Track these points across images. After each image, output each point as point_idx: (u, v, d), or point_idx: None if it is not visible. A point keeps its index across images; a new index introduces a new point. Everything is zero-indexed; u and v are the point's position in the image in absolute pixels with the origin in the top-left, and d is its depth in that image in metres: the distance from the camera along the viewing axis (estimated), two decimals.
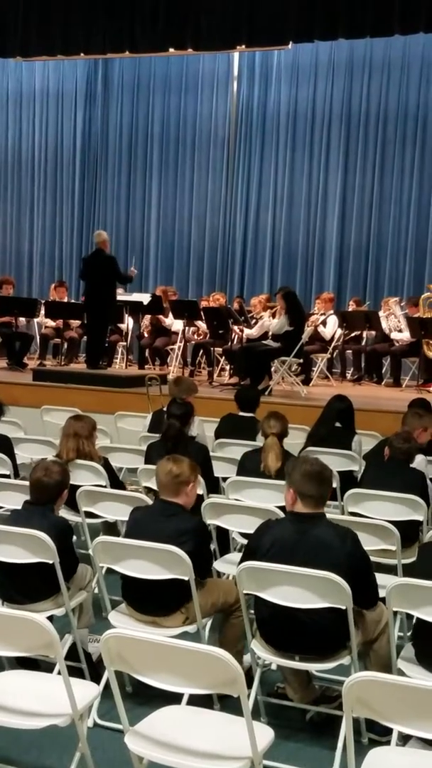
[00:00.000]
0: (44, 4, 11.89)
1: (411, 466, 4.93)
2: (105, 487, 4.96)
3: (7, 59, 13.60)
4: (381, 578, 3.93)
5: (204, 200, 14.38)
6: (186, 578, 3.51)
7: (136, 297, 11.55)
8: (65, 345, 11.42)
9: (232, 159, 14.19)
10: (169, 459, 3.87)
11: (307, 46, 12.48)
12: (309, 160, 13.61)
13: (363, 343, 11.50)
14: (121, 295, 11.24)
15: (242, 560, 3.49)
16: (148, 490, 5.05)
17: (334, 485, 4.90)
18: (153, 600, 3.60)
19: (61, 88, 15.14)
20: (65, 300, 12.11)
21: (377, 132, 13.14)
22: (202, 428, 6.16)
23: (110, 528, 5.09)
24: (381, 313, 11.25)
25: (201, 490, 4.87)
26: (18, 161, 15.51)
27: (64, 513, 4.61)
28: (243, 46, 11.63)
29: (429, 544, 3.67)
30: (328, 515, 3.53)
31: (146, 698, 3.60)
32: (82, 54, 12.35)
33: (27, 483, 4.10)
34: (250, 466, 5.10)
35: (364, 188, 13.26)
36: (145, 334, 11.74)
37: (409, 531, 4.47)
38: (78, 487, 4.77)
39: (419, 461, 5.08)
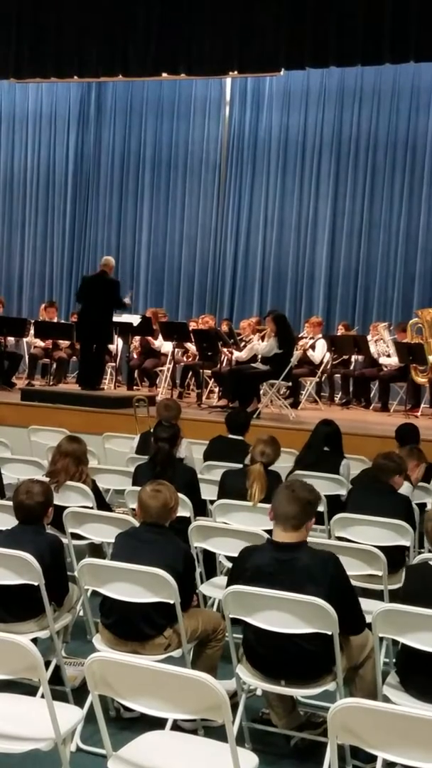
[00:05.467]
0: (38, 26, 12.01)
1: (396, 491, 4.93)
2: (92, 508, 4.94)
3: (0, 81, 13.69)
4: (367, 604, 3.92)
5: (195, 223, 14.46)
6: (171, 601, 3.49)
7: (126, 318, 11.57)
8: (54, 365, 11.41)
9: (223, 183, 14.29)
10: (155, 488, 3.83)
11: (299, 74, 12.62)
12: (299, 185, 13.73)
13: (351, 367, 11.53)
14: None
15: (227, 585, 3.48)
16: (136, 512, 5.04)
17: (321, 509, 4.89)
18: (135, 625, 3.55)
19: (54, 110, 15.25)
20: (55, 320, 12.12)
21: (367, 159, 13.28)
22: (190, 450, 6.15)
23: (96, 550, 5.07)
24: (369, 338, 11.31)
25: (188, 513, 4.86)
26: (10, 182, 15.58)
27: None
28: (235, 72, 11.77)
29: (416, 566, 3.66)
30: (315, 539, 3.52)
31: (130, 723, 3.58)
32: (75, 77, 12.43)
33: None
34: (231, 487, 5.08)
35: (354, 214, 13.37)
36: (135, 356, 11.75)
37: (395, 556, 4.46)
38: (65, 508, 4.75)
39: (405, 487, 5.08)
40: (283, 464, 6.09)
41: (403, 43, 10.17)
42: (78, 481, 5.08)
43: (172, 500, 3.82)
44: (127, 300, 10.71)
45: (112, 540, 3.99)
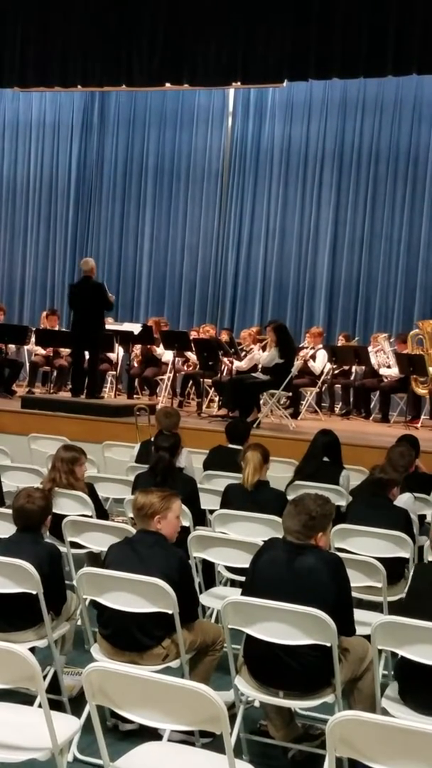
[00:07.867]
0: (42, 35, 12.06)
1: (395, 503, 4.93)
2: (91, 517, 4.94)
3: (4, 89, 13.74)
4: (367, 615, 3.92)
5: (197, 232, 14.49)
6: (170, 612, 3.48)
7: (127, 327, 11.57)
8: (55, 373, 11.41)
9: (225, 192, 14.32)
10: (141, 491, 3.87)
11: (302, 85, 12.66)
12: (301, 195, 13.76)
13: (352, 377, 11.54)
14: (112, 325, 11.24)
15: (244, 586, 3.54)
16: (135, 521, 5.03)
17: None
18: (133, 635, 3.54)
19: (57, 119, 15.29)
20: (56, 328, 12.12)
21: (369, 169, 13.31)
22: (190, 460, 6.15)
23: (94, 559, 5.06)
24: (370, 349, 11.31)
25: (187, 522, 4.85)
26: (13, 190, 15.61)
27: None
28: (238, 83, 11.80)
29: (426, 564, 3.67)
30: None
31: (127, 733, 3.56)
32: (78, 86, 12.46)
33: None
34: (233, 498, 5.07)
35: (355, 224, 13.40)
36: (135, 364, 11.75)
37: (395, 568, 4.46)
38: (64, 516, 4.75)
39: (405, 499, 5.08)
40: (283, 474, 6.10)
41: (406, 55, 10.21)
42: (74, 481, 5.08)
43: (159, 509, 3.81)
44: (111, 297, 10.46)
45: None
